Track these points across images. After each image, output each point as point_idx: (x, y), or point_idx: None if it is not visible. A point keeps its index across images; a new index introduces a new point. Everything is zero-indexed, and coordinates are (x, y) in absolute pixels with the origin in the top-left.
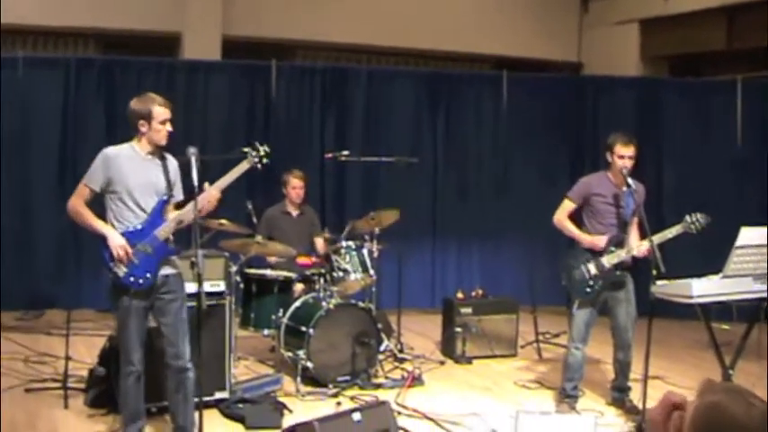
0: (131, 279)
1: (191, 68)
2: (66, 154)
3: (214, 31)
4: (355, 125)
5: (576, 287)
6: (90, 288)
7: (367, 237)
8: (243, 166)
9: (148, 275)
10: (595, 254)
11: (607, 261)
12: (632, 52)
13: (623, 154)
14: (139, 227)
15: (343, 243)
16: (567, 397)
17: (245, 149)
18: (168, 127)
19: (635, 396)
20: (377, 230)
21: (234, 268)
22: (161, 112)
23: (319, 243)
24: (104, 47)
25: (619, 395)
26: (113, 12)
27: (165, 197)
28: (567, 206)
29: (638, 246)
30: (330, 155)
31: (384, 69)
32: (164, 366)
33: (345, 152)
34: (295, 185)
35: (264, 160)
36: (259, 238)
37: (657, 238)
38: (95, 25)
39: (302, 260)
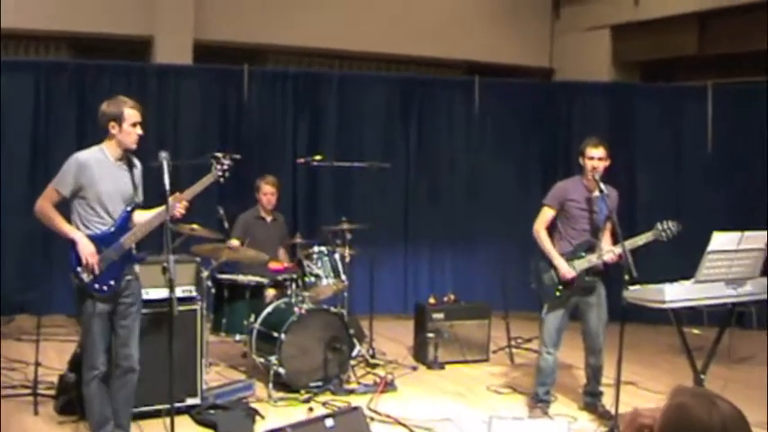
0: (96, 285)
1: (162, 72)
2: (37, 158)
3: (186, 35)
4: (328, 130)
5: (545, 291)
6: (60, 293)
7: (339, 242)
8: (207, 180)
9: (113, 282)
10: (565, 258)
11: (577, 266)
12: (604, 58)
13: (593, 155)
14: (109, 231)
15: (315, 248)
16: (539, 402)
17: (214, 157)
18: (138, 130)
19: (607, 401)
20: (348, 235)
21: (205, 273)
22: (132, 114)
23: (282, 254)
24: (76, 51)
25: (591, 400)
26: (85, 15)
27: (132, 204)
28: (547, 214)
29: (608, 251)
30: (302, 160)
31: (356, 74)
32: (113, 366)
33: (318, 157)
34: (266, 192)
35: (227, 174)
36: (234, 241)
37: (628, 245)
38: (67, 29)
39: (274, 265)
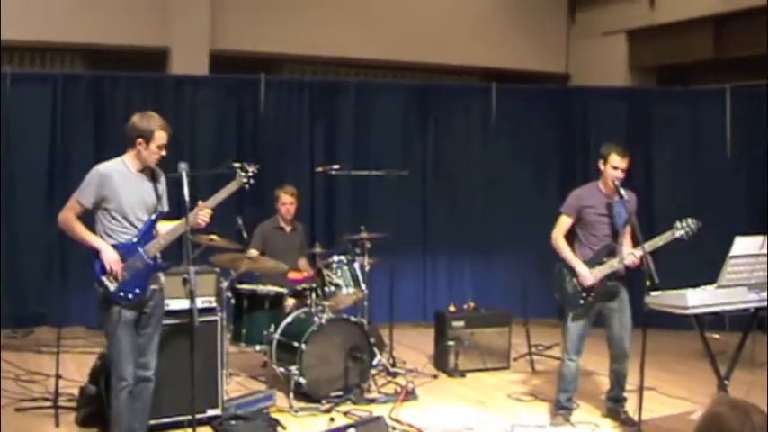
0: (121, 293)
1: (179, 83)
2: (54, 170)
3: (202, 46)
4: (344, 138)
5: (568, 300)
6: (79, 304)
7: (358, 251)
8: (232, 186)
9: (138, 290)
10: (587, 265)
11: (599, 271)
12: (620, 62)
13: (618, 165)
14: (132, 241)
15: (335, 257)
16: (561, 409)
17: (235, 166)
18: (163, 152)
19: (630, 407)
20: (368, 244)
21: (225, 284)
22: (162, 136)
23: (302, 263)
24: (91, 63)
25: (614, 406)
26: (100, 27)
27: (156, 213)
28: (564, 222)
29: (628, 254)
30: (320, 169)
31: (373, 82)
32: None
33: (336, 166)
34: (285, 202)
35: (252, 181)
36: (253, 251)
37: (648, 246)
38: (82, 41)
39: (293, 275)
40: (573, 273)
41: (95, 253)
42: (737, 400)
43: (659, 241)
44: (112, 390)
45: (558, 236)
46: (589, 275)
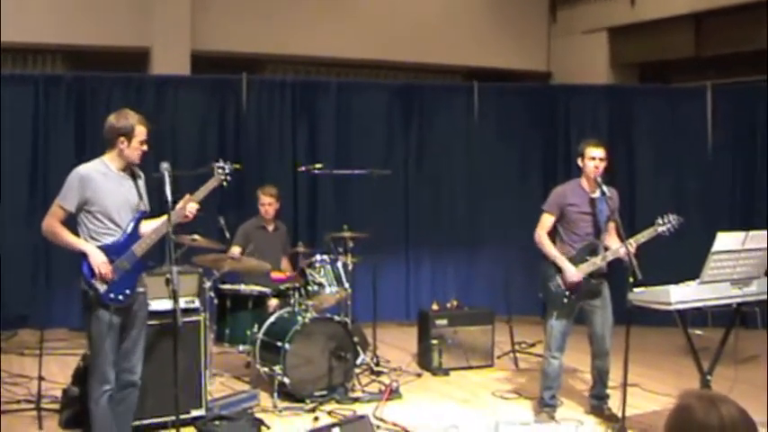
0: (111, 296)
1: (160, 83)
2: (35, 171)
3: (183, 46)
4: (327, 138)
5: (552, 298)
6: (62, 306)
7: (341, 250)
8: (211, 184)
9: (127, 291)
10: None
11: (582, 269)
12: (601, 60)
13: (594, 155)
14: (119, 241)
15: (318, 257)
16: (545, 406)
17: (215, 165)
18: (145, 147)
19: (613, 403)
20: (351, 243)
21: (208, 284)
22: (142, 131)
23: (285, 263)
24: (72, 63)
25: (597, 403)
26: (81, 28)
27: (139, 212)
28: (547, 220)
29: (614, 251)
30: (303, 168)
31: (354, 82)
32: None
33: (318, 165)
34: (264, 202)
35: (229, 178)
36: (235, 248)
37: (632, 242)
38: (64, 42)
39: (276, 275)
40: (556, 271)
41: (83, 256)
42: (705, 392)
43: (641, 237)
44: (92, 394)
45: (542, 234)
46: (575, 273)
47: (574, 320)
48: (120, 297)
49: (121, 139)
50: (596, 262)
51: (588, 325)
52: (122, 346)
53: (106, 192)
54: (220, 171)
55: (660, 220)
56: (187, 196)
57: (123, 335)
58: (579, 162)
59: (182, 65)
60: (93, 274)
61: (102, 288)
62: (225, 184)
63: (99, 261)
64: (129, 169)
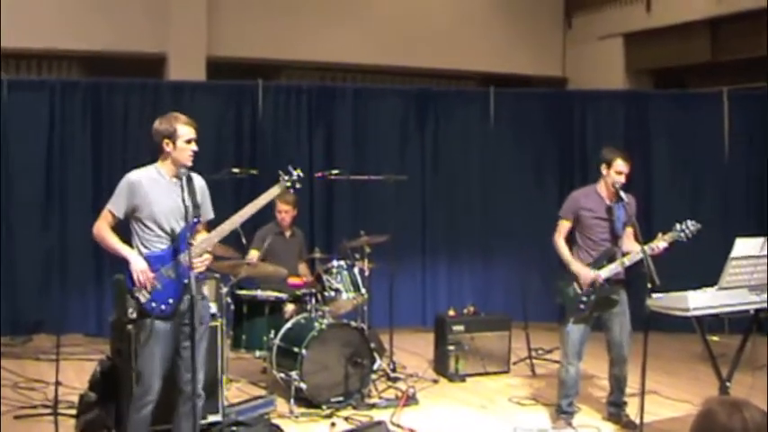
0: (153, 305)
1: (176, 89)
2: (52, 177)
3: (199, 53)
4: (343, 144)
5: (569, 305)
6: (78, 312)
7: (357, 255)
8: (274, 191)
9: (171, 301)
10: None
11: (603, 273)
12: (617, 66)
13: (622, 170)
14: (164, 251)
15: (334, 262)
16: (563, 413)
17: (280, 172)
18: (193, 146)
19: (631, 410)
20: (367, 249)
21: (225, 289)
22: (186, 131)
23: (302, 269)
24: (88, 69)
25: (615, 410)
26: (97, 34)
27: (191, 222)
28: (564, 226)
29: (630, 257)
30: (319, 174)
31: (371, 87)
32: (176, 392)
33: (335, 171)
34: (281, 210)
35: (297, 185)
36: (253, 251)
37: (649, 248)
38: (80, 48)
39: (293, 280)
40: (573, 278)
41: (126, 264)
42: (729, 397)
43: (660, 243)
44: (134, 402)
45: (558, 239)
46: (590, 273)
47: (592, 328)
48: (163, 307)
49: (166, 141)
50: (613, 268)
51: (606, 332)
52: (181, 355)
53: (154, 198)
54: (286, 178)
55: (678, 226)
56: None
57: (181, 344)
58: (603, 170)
59: (197, 71)
60: (134, 282)
61: (143, 297)
62: (292, 191)
63: (138, 268)
64: (187, 176)
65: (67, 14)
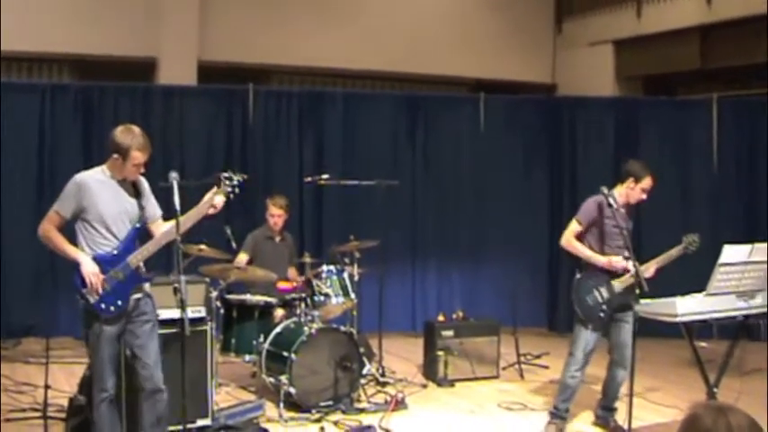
0: (102, 306)
1: (167, 93)
2: (42, 180)
3: (190, 56)
4: (333, 148)
5: (589, 313)
6: (67, 315)
7: (347, 260)
8: (214, 197)
9: (120, 302)
10: (605, 277)
11: (620, 284)
12: (606, 72)
13: (648, 188)
14: (113, 252)
15: (324, 267)
16: (558, 418)
17: (224, 175)
18: (141, 170)
19: (619, 415)
20: (357, 254)
21: (214, 293)
22: (137, 156)
23: (292, 273)
24: (79, 73)
25: (603, 414)
26: (88, 37)
27: (138, 224)
28: (575, 228)
29: (646, 267)
30: (310, 178)
31: (361, 93)
32: (139, 389)
33: (325, 176)
34: (273, 213)
35: (237, 191)
36: (243, 255)
37: (662, 260)
38: (71, 51)
39: (283, 285)
40: (591, 286)
41: (76, 265)
42: (714, 402)
43: (673, 255)
44: (93, 401)
45: (571, 238)
46: (619, 260)
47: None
48: (112, 308)
49: (116, 155)
50: (629, 279)
51: (612, 335)
52: (135, 354)
53: (102, 200)
54: (227, 183)
55: (686, 239)
56: (214, 188)
57: (133, 342)
58: (629, 183)
59: (189, 75)
60: (85, 283)
61: (92, 298)
62: (232, 197)
63: (89, 271)
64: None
65: (59, 18)
